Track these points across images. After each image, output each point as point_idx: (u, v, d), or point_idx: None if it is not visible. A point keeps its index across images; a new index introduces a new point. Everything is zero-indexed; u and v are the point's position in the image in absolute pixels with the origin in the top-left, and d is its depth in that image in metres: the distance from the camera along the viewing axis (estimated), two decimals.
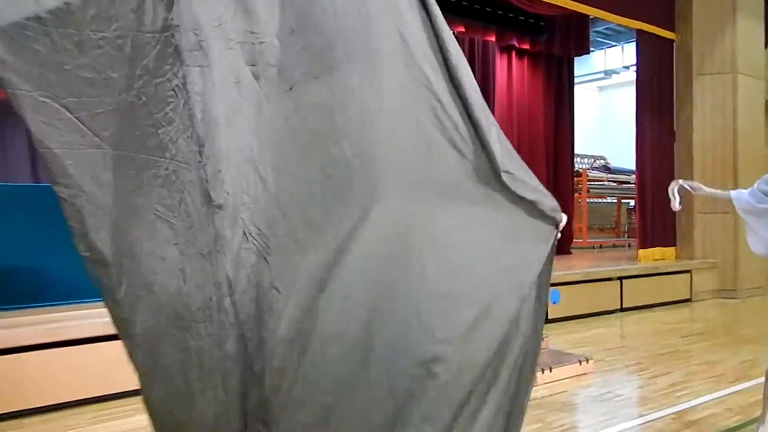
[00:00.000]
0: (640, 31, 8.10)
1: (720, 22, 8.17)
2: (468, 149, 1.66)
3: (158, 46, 1.56)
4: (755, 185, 3.04)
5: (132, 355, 1.61)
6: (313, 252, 1.57)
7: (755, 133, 8.44)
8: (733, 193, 3.13)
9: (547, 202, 1.71)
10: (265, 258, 1.57)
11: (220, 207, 1.56)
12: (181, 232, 1.55)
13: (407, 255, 1.56)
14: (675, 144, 8.48)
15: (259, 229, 1.59)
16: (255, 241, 1.58)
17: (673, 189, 3.11)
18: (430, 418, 1.50)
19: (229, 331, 1.56)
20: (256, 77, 1.64)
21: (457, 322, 1.53)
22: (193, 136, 1.57)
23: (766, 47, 8.73)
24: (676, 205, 3.09)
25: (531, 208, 1.69)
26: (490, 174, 1.67)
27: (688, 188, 3.14)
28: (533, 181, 1.71)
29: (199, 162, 1.56)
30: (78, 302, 3.99)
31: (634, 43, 8.51)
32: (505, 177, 1.65)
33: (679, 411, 3.45)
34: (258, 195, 1.60)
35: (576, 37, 9.32)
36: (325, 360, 1.52)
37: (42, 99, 1.50)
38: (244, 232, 1.58)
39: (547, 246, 1.69)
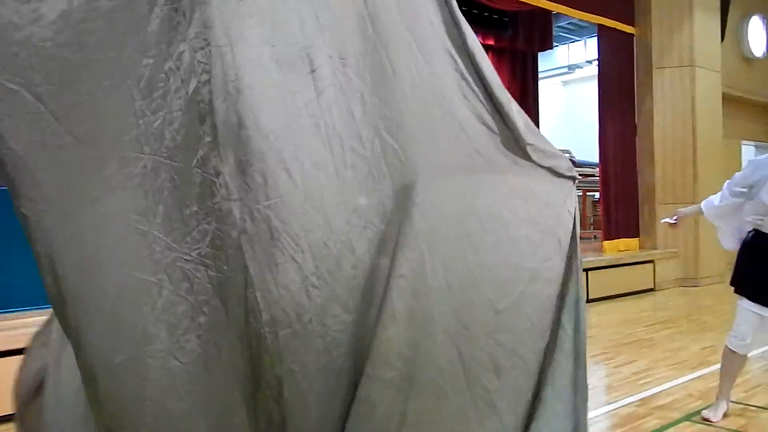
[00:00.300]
0: (601, 26, 8.23)
1: (678, 16, 8.34)
2: (494, 124, 1.78)
3: (157, 20, 1.37)
4: (724, 188, 3.15)
5: (102, 400, 1.37)
6: (357, 239, 1.55)
7: (713, 125, 8.65)
8: (702, 204, 3.25)
9: (564, 163, 1.84)
10: (294, 258, 1.44)
11: (240, 200, 1.40)
12: (157, 239, 1.37)
13: (457, 231, 1.61)
14: (637, 136, 8.64)
15: (285, 223, 1.44)
16: (284, 239, 1.44)
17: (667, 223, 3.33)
18: (507, 392, 1.57)
19: (248, 330, 1.42)
20: (282, 60, 1.50)
21: (513, 291, 1.60)
22: (200, 126, 1.37)
23: (722, 41, 8.95)
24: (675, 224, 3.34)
25: (552, 172, 1.81)
26: (515, 146, 1.78)
27: (673, 222, 3.32)
28: (550, 147, 1.84)
29: (203, 155, 1.38)
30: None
31: (596, 37, 8.65)
32: (529, 149, 1.77)
33: (643, 398, 3.53)
34: (287, 189, 1.45)
35: (539, 32, 9.42)
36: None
37: (10, 85, 1.21)
38: (269, 228, 1.42)
39: (572, 203, 1.79)
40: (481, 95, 1.77)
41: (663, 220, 3.40)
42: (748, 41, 10.34)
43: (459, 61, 1.76)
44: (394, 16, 1.70)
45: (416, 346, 1.52)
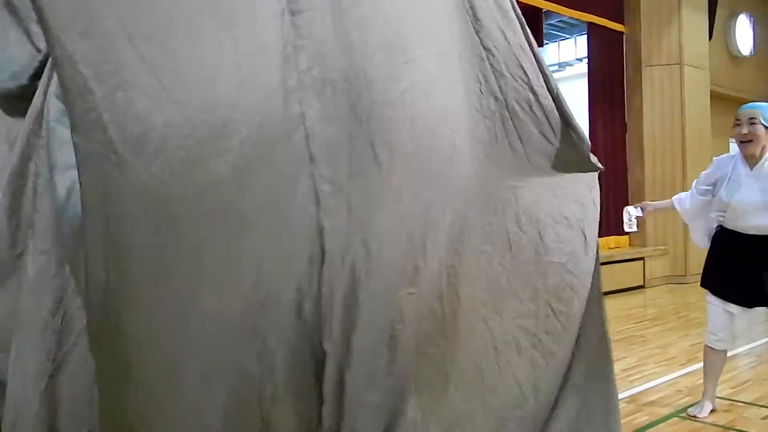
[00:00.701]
0: (590, 24, 8.26)
1: (667, 14, 8.39)
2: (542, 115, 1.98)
3: None
4: (692, 187, 3.19)
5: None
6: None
7: (702, 122, 8.71)
8: (674, 199, 3.30)
9: (588, 150, 2.04)
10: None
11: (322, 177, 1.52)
12: None
13: (499, 230, 1.83)
14: (626, 134, 8.69)
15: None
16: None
17: (629, 216, 3.28)
18: (527, 368, 1.84)
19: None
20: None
21: (535, 282, 1.84)
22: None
23: (710, 39, 9.00)
24: (633, 227, 3.28)
25: (581, 159, 2.00)
26: (554, 133, 1.98)
27: (639, 214, 3.32)
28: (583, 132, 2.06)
29: None
30: None
31: (586, 35, 8.68)
32: (572, 133, 1.99)
33: (632, 394, 3.56)
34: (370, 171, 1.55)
35: (530, 30, 9.43)
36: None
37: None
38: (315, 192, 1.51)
39: (597, 195, 2.00)
40: (548, 107, 1.96)
41: (628, 210, 3.28)
42: (735, 40, 10.40)
43: (530, 74, 1.95)
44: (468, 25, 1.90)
45: (457, 330, 1.73)
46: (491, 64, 1.90)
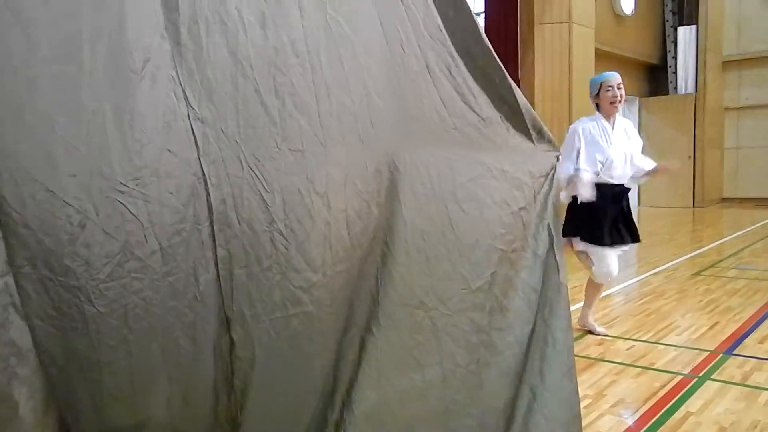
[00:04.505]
0: None
1: None
2: (475, 103, 1.79)
3: None
4: (565, 158, 3.57)
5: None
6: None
7: (587, 79, 9.23)
8: (563, 179, 3.65)
9: (550, 143, 1.90)
10: (263, 197, 1.40)
11: (202, 120, 1.37)
12: (83, 160, 1.26)
13: (438, 207, 1.63)
14: (519, 88, 9.09)
15: (257, 158, 1.40)
16: (254, 172, 1.40)
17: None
18: (478, 368, 1.64)
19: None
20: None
21: (485, 272, 1.66)
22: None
23: None
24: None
25: (541, 139, 1.86)
26: (502, 125, 1.83)
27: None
28: (543, 126, 1.91)
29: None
30: None
31: None
32: (531, 130, 1.85)
33: None
34: (261, 122, 1.41)
35: None
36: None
37: None
38: (240, 158, 1.39)
39: (545, 186, 1.80)
40: (466, 73, 1.78)
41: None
42: None
43: (448, 37, 1.76)
44: None
45: (392, 316, 1.56)
46: (410, 22, 1.72)
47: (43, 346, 1.28)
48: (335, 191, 1.48)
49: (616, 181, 3.59)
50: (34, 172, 1.22)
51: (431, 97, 1.73)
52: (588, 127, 3.67)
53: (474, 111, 1.79)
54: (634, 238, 3.71)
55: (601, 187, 3.43)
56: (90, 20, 1.27)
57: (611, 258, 3.67)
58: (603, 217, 3.56)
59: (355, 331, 1.59)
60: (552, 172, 1.83)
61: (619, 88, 3.60)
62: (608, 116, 3.65)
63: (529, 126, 1.87)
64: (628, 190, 3.70)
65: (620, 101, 3.59)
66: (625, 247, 3.77)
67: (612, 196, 3.57)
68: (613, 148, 3.56)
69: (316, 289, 1.46)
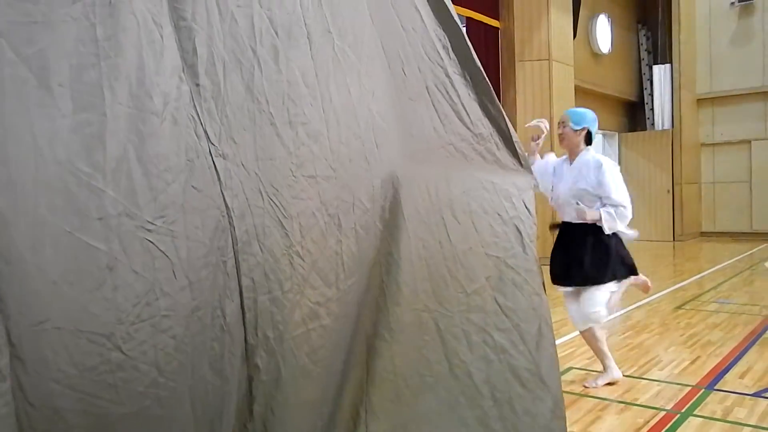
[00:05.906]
0: (469, 18, 8.68)
1: (537, 12, 9.00)
2: (470, 122, 1.94)
3: None
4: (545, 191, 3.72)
5: None
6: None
7: None
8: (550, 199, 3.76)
9: (525, 160, 2.04)
10: (282, 223, 1.46)
11: (224, 156, 1.40)
12: (110, 203, 1.22)
13: (435, 218, 1.77)
14: None
15: (275, 188, 1.47)
16: (274, 201, 1.46)
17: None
18: (480, 363, 1.72)
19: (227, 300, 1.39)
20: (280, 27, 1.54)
21: (480, 276, 1.78)
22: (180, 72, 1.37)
23: (574, 37, 9.77)
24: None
25: (518, 164, 2.00)
26: (491, 143, 1.96)
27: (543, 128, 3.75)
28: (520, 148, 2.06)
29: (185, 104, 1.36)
30: None
31: (465, 29, 9.10)
32: (517, 147, 2.00)
33: None
34: (278, 153, 1.48)
35: None
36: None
37: None
38: (260, 190, 1.45)
39: (529, 197, 1.94)
40: (461, 92, 1.93)
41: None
42: (596, 38, 11.36)
43: (444, 59, 1.92)
44: (390, 9, 1.84)
45: (402, 321, 1.66)
46: (411, 46, 1.88)
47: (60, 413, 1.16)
48: (345, 211, 1.60)
49: (566, 218, 3.54)
50: (54, 219, 1.16)
51: (430, 115, 1.88)
52: (559, 162, 3.73)
53: (467, 127, 1.95)
54: (589, 279, 3.37)
55: (561, 225, 3.54)
56: (109, 67, 1.27)
57: (566, 300, 3.57)
58: (556, 256, 3.55)
59: (362, 337, 1.68)
60: (530, 192, 1.96)
61: (563, 126, 3.58)
62: (568, 153, 3.64)
63: (515, 145, 2.04)
64: (593, 227, 3.37)
65: (563, 139, 3.57)
66: (570, 289, 3.49)
67: (565, 233, 3.53)
68: (560, 185, 3.57)
69: (332, 303, 1.56)
